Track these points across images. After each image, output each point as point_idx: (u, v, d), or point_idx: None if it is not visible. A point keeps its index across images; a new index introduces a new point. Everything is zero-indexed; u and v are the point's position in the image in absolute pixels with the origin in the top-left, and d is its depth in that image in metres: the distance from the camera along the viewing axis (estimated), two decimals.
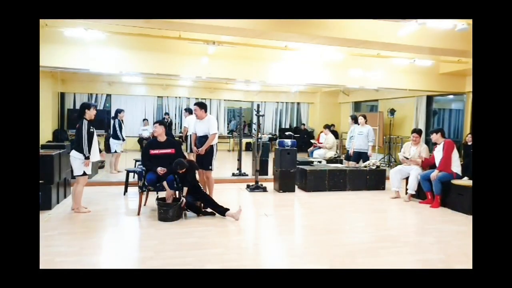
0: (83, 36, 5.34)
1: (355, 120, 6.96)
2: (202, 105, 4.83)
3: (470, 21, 4.78)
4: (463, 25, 4.41)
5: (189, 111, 6.84)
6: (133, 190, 5.20)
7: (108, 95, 11.25)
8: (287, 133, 8.83)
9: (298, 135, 10.44)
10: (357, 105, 12.24)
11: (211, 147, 4.73)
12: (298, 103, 13.28)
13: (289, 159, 5.66)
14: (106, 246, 3.27)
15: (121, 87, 11.21)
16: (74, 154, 4.07)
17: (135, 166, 5.65)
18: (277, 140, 6.45)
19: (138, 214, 4.11)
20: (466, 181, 4.86)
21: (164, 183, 4.00)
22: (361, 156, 6.61)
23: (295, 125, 13.25)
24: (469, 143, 7.02)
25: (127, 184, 5.21)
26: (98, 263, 2.82)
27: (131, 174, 5.31)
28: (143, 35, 5.61)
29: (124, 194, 5.17)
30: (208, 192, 4.81)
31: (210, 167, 4.76)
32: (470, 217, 4.43)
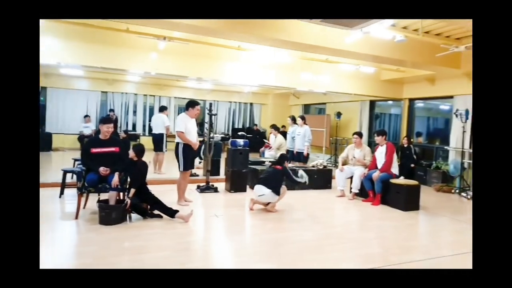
0: None
1: (294, 121, 7.22)
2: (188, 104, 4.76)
3: (408, 33, 5.22)
4: (401, 37, 4.79)
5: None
6: (71, 192, 4.78)
7: (43, 88, 10.26)
8: (239, 133, 8.83)
9: (251, 135, 10.51)
10: (306, 108, 12.70)
11: (177, 145, 4.59)
12: (251, 104, 13.38)
13: (241, 159, 5.66)
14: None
15: (59, 80, 10.29)
16: None
17: (74, 166, 5.21)
18: (230, 140, 6.42)
19: (76, 217, 3.79)
20: (403, 180, 5.28)
21: (116, 176, 3.76)
22: (300, 156, 6.82)
23: (248, 125, 13.32)
24: (405, 145, 7.68)
25: (63, 185, 4.77)
26: None
27: (68, 175, 4.88)
28: (85, 25, 5.20)
29: (60, 196, 4.73)
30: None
31: (180, 167, 4.62)
32: (404, 213, 4.83)
